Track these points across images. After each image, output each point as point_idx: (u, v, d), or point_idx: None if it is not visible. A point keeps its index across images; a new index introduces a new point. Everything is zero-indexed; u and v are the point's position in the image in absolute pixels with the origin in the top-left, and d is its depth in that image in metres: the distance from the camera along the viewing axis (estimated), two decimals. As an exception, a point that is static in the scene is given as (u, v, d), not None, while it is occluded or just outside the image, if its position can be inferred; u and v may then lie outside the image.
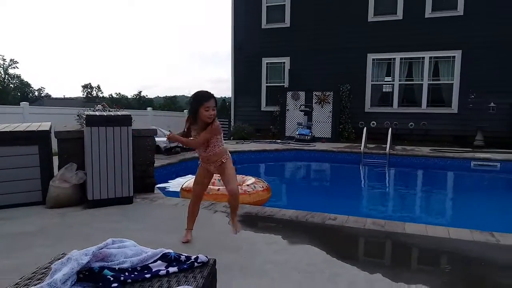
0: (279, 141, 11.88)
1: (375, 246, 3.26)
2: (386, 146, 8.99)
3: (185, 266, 1.38)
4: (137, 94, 72.22)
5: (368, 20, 12.99)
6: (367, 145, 9.73)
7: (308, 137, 11.56)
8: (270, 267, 2.64)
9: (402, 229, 3.46)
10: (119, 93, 76.03)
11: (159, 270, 1.34)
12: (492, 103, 11.43)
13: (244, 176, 5.57)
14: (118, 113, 4.37)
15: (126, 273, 1.28)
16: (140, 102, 63.64)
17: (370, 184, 8.10)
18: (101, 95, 74.99)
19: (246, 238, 3.22)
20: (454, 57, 12.16)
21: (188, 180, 5.37)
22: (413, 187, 7.69)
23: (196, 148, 3.07)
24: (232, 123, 14.73)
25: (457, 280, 2.47)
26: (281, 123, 13.17)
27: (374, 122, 12.81)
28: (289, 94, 12.98)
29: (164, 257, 1.41)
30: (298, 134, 11.71)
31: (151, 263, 1.37)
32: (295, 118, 12.67)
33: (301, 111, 12.45)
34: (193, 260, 1.41)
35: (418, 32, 12.35)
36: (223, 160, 3.05)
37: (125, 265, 1.31)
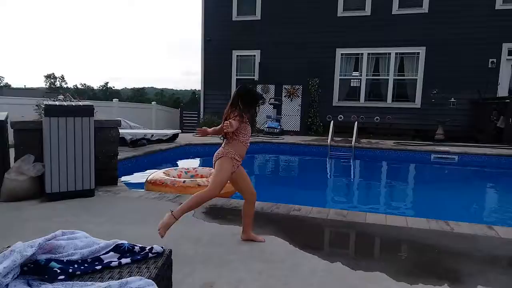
0: (248, 134, 11.87)
1: (336, 236, 3.33)
2: (352, 139, 9.19)
3: (139, 257, 1.35)
4: (104, 86, 70.11)
5: (338, 15, 13.16)
6: (334, 138, 9.91)
7: (277, 130, 11.63)
8: (233, 257, 2.65)
9: (363, 219, 3.55)
10: (85, 84, 73.57)
11: (111, 262, 1.31)
12: (452, 98, 11.90)
13: (211, 168, 5.54)
14: (80, 103, 4.22)
15: (75, 265, 1.24)
16: (107, 93, 61.89)
17: (335, 176, 8.27)
18: (65, 85, 72.24)
19: (211, 230, 3.21)
20: (418, 53, 12.56)
21: (154, 173, 5.28)
22: (376, 178, 7.92)
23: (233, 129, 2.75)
24: (201, 116, 14.58)
25: (412, 266, 2.57)
26: (251, 116, 13.15)
27: (341, 116, 13.05)
28: (259, 87, 12.98)
29: (117, 248, 1.37)
30: (267, 127, 11.76)
31: (103, 254, 1.34)
32: (265, 111, 12.69)
33: (270, 104, 12.50)
34: (147, 250, 1.39)
35: (385, 28, 12.65)
36: (216, 157, 2.91)
37: (74, 257, 1.27)
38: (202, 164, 8.33)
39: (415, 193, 6.80)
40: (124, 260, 1.32)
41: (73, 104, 4.06)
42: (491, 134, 10.70)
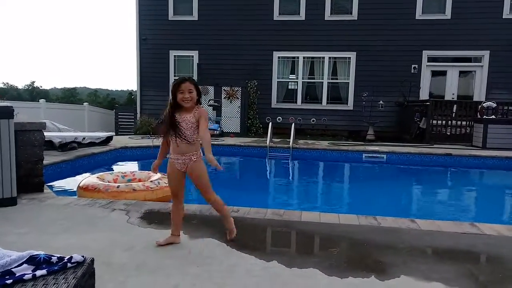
0: (187, 136, 11.69)
1: (273, 235, 3.40)
2: (290, 140, 9.45)
3: (56, 268, 1.26)
4: (30, 85, 64.79)
5: (274, 19, 13.46)
6: (273, 139, 10.12)
7: (217, 131, 11.59)
8: (168, 262, 2.59)
9: (299, 217, 3.66)
10: (7, 83, 67.38)
11: (24, 275, 1.21)
12: (381, 101, 12.73)
13: (149, 172, 5.37)
14: (-3, 104, 3.86)
15: (-17, 281, 1.13)
16: (33, 93, 57.24)
17: (274, 176, 8.44)
18: (-17, 84, 65.60)
19: (145, 236, 3.11)
20: (349, 58, 13.26)
21: (86, 178, 4.99)
22: (312, 178, 8.22)
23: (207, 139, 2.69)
24: (138, 117, 14.08)
25: (343, 261, 2.70)
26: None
27: (280, 117, 13.37)
28: (197, 88, 12.84)
29: (32, 260, 1.27)
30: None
31: (15, 267, 1.23)
32: (204, 113, 12.59)
33: (209, 105, 12.43)
34: (66, 260, 1.30)
35: (319, 33, 13.19)
36: (193, 158, 2.79)
37: (-19, 272, 1.15)
38: (140, 168, 8.04)
39: (348, 191, 7.17)
40: (39, 272, 1.22)
41: (-10, 105, 3.71)
42: (415, 134, 11.62)
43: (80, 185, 4.74)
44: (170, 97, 2.78)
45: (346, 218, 3.66)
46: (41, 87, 66.87)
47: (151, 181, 4.90)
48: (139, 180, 5.17)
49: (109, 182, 4.92)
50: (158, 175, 5.19)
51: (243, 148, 9.72)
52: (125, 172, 5.43)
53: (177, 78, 2.86)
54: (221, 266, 2.55)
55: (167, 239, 2.94)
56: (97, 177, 4.97)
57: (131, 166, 8.19)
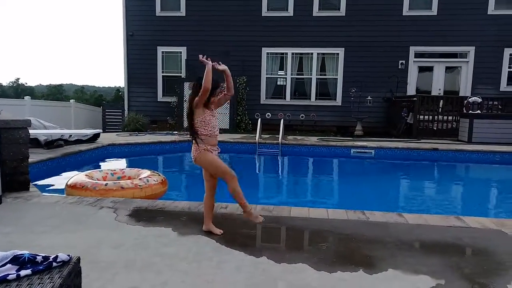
0: (175, 132, 11.64)
1: (263, 231, 3.40)
2: (279, 136, 9.46)
3: (41, 267, 1.24)
4: (14, 82, 63.54)
5: (262, 15, 13.43)
6: (262, 135, 10.12)
7: (206, 128, 11.52)
8: (158, 260, 2.58)
9: (288, 213, 3.68)
10: (-10, 80, 65.95)
11: (8, 275, 1.18)
12: (369, 97, 12.82)
13: (139, 169, 5.33)
14: (-21, 101, 3.78)
15: (-35, 282, 1.10)
16: (18, 90, 56.18)
17: (263, 172, 8.45)
18: (-34, 81, 64.06)
19: (134, 233, 3.08)
20: (338, 54, 13.32)
21: (74, 176, 4.91)
22: (302, 174, 8.25)
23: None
24: (126, 114, 13.93)
25: (332, 255, 2.72)
26: (178, 115, 12.91)
27: (269, 113, 13.36)
28: (186, 84, 12.75)
29: (16, 260, 1.25)
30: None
31: (-2, 267, 1.21)
32: (193, 109, 12.53)
33: (198, 102, 12.34)
34: (51, 260, 1.28)
35: (307, 29, 13.21)
36: (194, 156, 3.08)
37: (-36, 272, 1.13)
38: (128, 165, 7.97)
39: (337, 186, 7.22)
40: (23, 272, 1.20)
41: (-28, 102, 3.62)
42: (402, 129, 11.75)
43: (68, 183, 4.67)
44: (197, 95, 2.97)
45: (334, 213, 3.68)
46: (26, 84, 65.71)
47: (139, 178, 4.85)
48: (129, 178, 5.12)
49: (98, 180, 4.86)
50: (148, 172, 5.15)
51: (232, 144, 9.70)
52: (114, 170, 5.37)
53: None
54: (210, 263, 2.55)
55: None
56: (86, 175, 4.91)
57: (119, 163, 8.11)
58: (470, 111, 10.46)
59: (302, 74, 13.72)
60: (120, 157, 8.50)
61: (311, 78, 13.58)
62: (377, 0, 12.92)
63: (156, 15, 13.87)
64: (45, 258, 1.29)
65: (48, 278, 1.18)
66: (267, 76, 13.77)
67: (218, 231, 3.10)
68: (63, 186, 5.00)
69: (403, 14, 12.91)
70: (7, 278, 1.17)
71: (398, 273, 2.44)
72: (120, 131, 12.31)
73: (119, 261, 2.54)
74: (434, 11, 12.84)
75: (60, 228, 3.17)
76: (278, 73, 13.90)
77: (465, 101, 10.81)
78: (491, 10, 12.63)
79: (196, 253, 2.70)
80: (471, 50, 12.89)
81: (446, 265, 2.57)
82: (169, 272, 2.40)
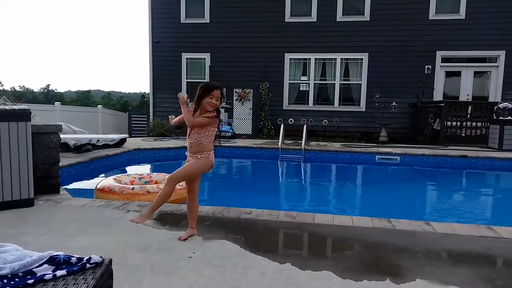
0: (199, 138, 11.75)
1: (286, 237, 3.39)
2: (302, 142, 9.43)
3: (76, 268, 1.28)
4: (45, 88, 65.95)
5: (285, 20, 13.46)
6: (285, 141, 10.11)
7: (229, 133, 11.63)
8: (183, 264, 2.61)
9: (312, 219, 3.65)
10: (23, 86, 68.72)
11: (45, 275, 1.23)
12: (394, 102, 12.61)
13: (166, 174, 5.42)
14: (15, 107, 3.95)
15: (5, 280, 1.15)
16: (48, 96, 58.27)
17: (286, 178, 8.43)
18: (1, 88, 67.00)
19: (160, 237, 3.13)
20: (362, 59, 13.18)
21: (103, 180, 5.06)
22: (325, 180, 8.18)
23: (189, 125, 3.01)
24: (151, 119, 14.22)
25: (357, 263, 2.68)
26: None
27: (291, 119, 13.34)
28: (209, 90, 12.89)
29: (52, 260, 1.30)
30: (219, 131, 11.70)
31: (36, 267, 1.26)
32: (216, 115, 12.64)
33: (221, 108, 12.43)
34: (85, 261, 1.33)
35: (331, 34, 13.14)
36: (198, 156, 3.03)
37: (3, 272, 1.18)
38: (153, 170, 8.12)
39: (361, 193, 7.10)
40: (59, 272, 1.25)
41: (7, 108, 3.79)
42: (429, 136, 11.47)
43: (97, 186, 4.81)
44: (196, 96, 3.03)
45: (359, 221, 3.63)
46: (56, 90, 68.08)
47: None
48: (156, 182, 5.22)
49: (125, 184, 4.98)
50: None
51: (255, 149, 9.72)
52: (142, 174, 5.49)
53: (208, 82, 3.15)
54: (235, 268, 2.56)
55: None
56: (114, 179, 5.04)
57: (144, 168, 8.27)
58: (500, 117, 10.11)
59: (325, 80, 13.64)
60: (145, 161, 8.67)
61: (334, 83, 13.49)
62: (403, 5, 12.73)
63: (181, 22, 14.14)
64: (79, 259, 1.33)
65: (82, 279, 1.22)
66: (290, 81, 13.76)
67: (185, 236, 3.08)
68: (91, 189, 5.14)
69: (430, 18, 12.66)
70: (44, 278, 1.22)
71: (426, 284, 2.38)
72: (145, 136, 12.57)
73: (145, 264, 2.59)
74: (462, 14, 12.54)
75: (88, 231, 3.26)
76: (301, 79, 13.87)
77: (496, 107, 10.47)
78: (523, 13, 12.21)
79: (221, 258, 2.72)
80: (501, 54, 12.49)
81: (476, 276, 2.49)
82: (194, 276, 2.43)
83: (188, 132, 3.07)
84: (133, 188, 4.63)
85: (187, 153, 3.12)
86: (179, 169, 3.06)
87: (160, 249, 2.87)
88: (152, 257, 2.72)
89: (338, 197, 6.69)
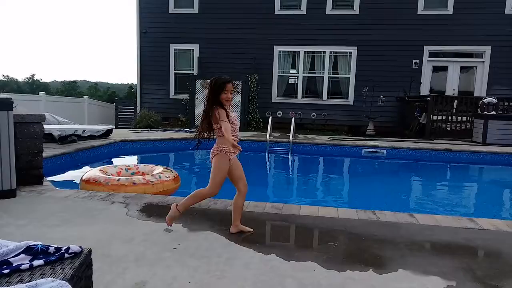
0: (187, 129, 11.70)
1: (272, 229, 3.41)
2: (290, 135, 9.44)
3: (53, 258, 1.26)
4: (30, 78, 64.56)
5: (275, 13, 13.39)
6: (273, 133, 10.11)
7: (217, 126, 11.57)
8: (168, 255, 2.60)
9: (298, 211, 3.67)
10: (7, 76, 67.16)
11: (21, 264, 1.21)
12: (381, 96, 12.70)
13: (154, 165, 5.38)
14: (-4, 95, 3.85)
15: (-20, 270, 1.13)
16: (33, 86, 57.05)
17: (273, 170, 8.45)
18: (-17, 77, 65.36)
19: (144, 228, 3.12)
20: (350, 53, 13.21)
21: (89, 171, 4.98)
22: (312, 172, 8.23)
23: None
24: (138, 111, 14.06)
25: (341, 254, 2.71)
26: (190, 112, 12.97)
27: (280, 112, 13.33)
28: (198, 82, 12.81)
29: (29, 250, 1.27)
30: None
31: (12, 257, 1.23)
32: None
33: (209, 99, 12.38)
34: (63, 251, 1.31)
35: (320, 27, 13.12)
36: (212, 154, 3.02)
37: (-21, 262, 1.16)
38: (140, 161, 8.05)
39: (348, 185, 7.17)
40: (36, 262, 1.22)
41: (-11, 97, 3.70)
42: (415, 129, 11.61)
43: (83, 178, 4.74)
44: (209, 94, 2.92)
45: (345, 213, 3.66)
46: (41, 80, 66.66)
47: (152, 175, 4.89)
48: (143, 174, 5.17)
49: (112, 175, 4.92)
50: (160, 168, 5.19)
51: (243, 142, 9.63)
52: (129, 165, 5.43)
53: (219, 76, 2.95)
54: (220, 259, 2.56)
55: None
56: (100, 170, 4.97)
57: (130, 159, 8.20)
58: (485, 112, 10.28)
59: (314, 73, 13.65)
60: (132, 153, 8.58)
61: (323, 76, 13.51)
62: (392, -1, 12.77)
63: (169, 12, 13.94)
64: (58, 249, 1.31)
65: (60, 268, 1.20)
66: (279, 74, 13.73)
67: (248, 229, 3.10)
68: (76, 181, 5.08)
69: (418, 13, 12.73)
70: (20, 268, 1.20)
71: (408, 274, 2.42)
72: (132, 128, 12.44)
73: (129, 255, 2.57)
74: (449, 10, 12.64)
75: (72, 222, 3.22)
76: (290, 72, 13.85)
77: (480, 102, 10.63)
78: (509, 9, 12.35)
79: (206, 249, 2.72)
80: (487, 50, 12.66)
81: (457, 266, 2.54)
82: (179, 267, 2.42)
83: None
84: (118, 180, 4.58)
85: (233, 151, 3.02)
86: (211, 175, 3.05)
87: (145, 240, 2.85)
88: (137, 248, 2.71)
89: (325, 189, 6.74)
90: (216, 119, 2.87)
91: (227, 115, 2.87)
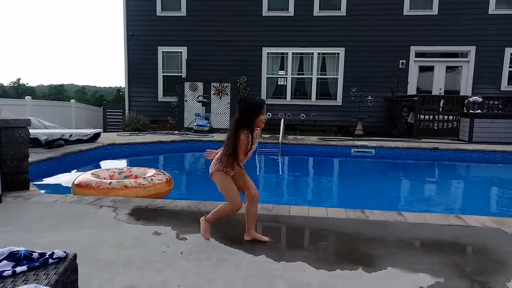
0: (176, 132, 11.64)
1: (262, 229, 3.39)
2: (279, 136, 9.46)
3: (37, 264, 1.24)
4: (16, 82, 63.60)
5: (263, 14, 13.42)
6: (263, 135, 10.12)
7: (206, 128, 11.55)
8: (157, 258, 2.58)
9: (288, 211, 3.67)
10: (-8, 80, 65.98)
11: (4, 271, 1.18)
12: (369, 96, 12.81)
13: (147, 168, 5.32)
14: (-21, 100, 3.78)
15: (-39, 278, 1.10)
16: (19, 91, 56.23)
17: (263, 172, 8.44)
18: (-33, 81, 64.10)
19: (133, 232, 3.09)
20: (338, 54, 13.30)
21: (80, 175, 4.90)
22: (302, 173, 8.25)
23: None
24: (126, 114, 13.94)
25: (331, 254, 2.72)
26: (179, 114, 12.90)
27: (269, 113, 13.33)
28: (187, 84, 12.76)
29: (12, 256, 1.25)
30: (196, 125, 11.63)
31: (-5, 264, 1.21)
32: (193, 109, 12.54)
33: (198, 101, 12.36)
34: (47, 256, 1.28)
35: (308, 29, 13.19)
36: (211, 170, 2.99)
37: (-40, 270, 1.13)
38: (129, 165, 7.97)
39: (337, 185, 7.21)
40: (19, 269, 1.20)
41: (-28, 102, 3.63)
42: (403, 129, 11.73)
43: (75, 182, 4.66)
44: (240, 115, 2.78)
45: (334, 212, 3.68)
46: (28, 84, 65.75)
47: (144, 178, 4.84)
48: (135, 177, 5.10)
49: (104, 178, 4.85)
50: (153, 171, 5.14)
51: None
52: (121, 169, 5.37)
53: (254, 99, 2.94)
54: (210, 261, 2.55)
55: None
56: (92, 174, 4.90)
57: (119, 163, 8.11)
58: (470, 111, 10.44)
59: (303, 74, 13.70)
60: (121, 157, 8.50)
61: (311, 78, 13.57)
62: (378, 0, 12.90)
63: (157, 15, 13.87)
64: (41, 254, 1.29)
65: (44, 274, 1.18)
66: (268, 76, 13.76)
67: (265, 238, 2.97)
68: (63, 185, 5.00)
69: (404, 14, 12.89)
70: (3, 274, 1.17)
71: (397, 271, 2.44)
72: (121, 131, 12.32)
73: (118, 260, 2.54)
74: (435, 10, 12.82)
75: (59, 227, 3.17)
76: (279, 73, 13.88)
77: (466, 101, 10.79)
78: (492, 9, 12.59)
79: (196, 252, 2.70)
80: (471, 49, 12.86)
81: (445, 263, 2.57)
82: (169, 270, 2.40)
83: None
84: (110, 183, 4.52)
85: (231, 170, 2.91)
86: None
87: (134, 244, 2.83)
88: (125, 252, 2.68)
89: (314, 190, 6.76)
90: (236, 142, 2.73)
91: (253, 137, 2.79)
